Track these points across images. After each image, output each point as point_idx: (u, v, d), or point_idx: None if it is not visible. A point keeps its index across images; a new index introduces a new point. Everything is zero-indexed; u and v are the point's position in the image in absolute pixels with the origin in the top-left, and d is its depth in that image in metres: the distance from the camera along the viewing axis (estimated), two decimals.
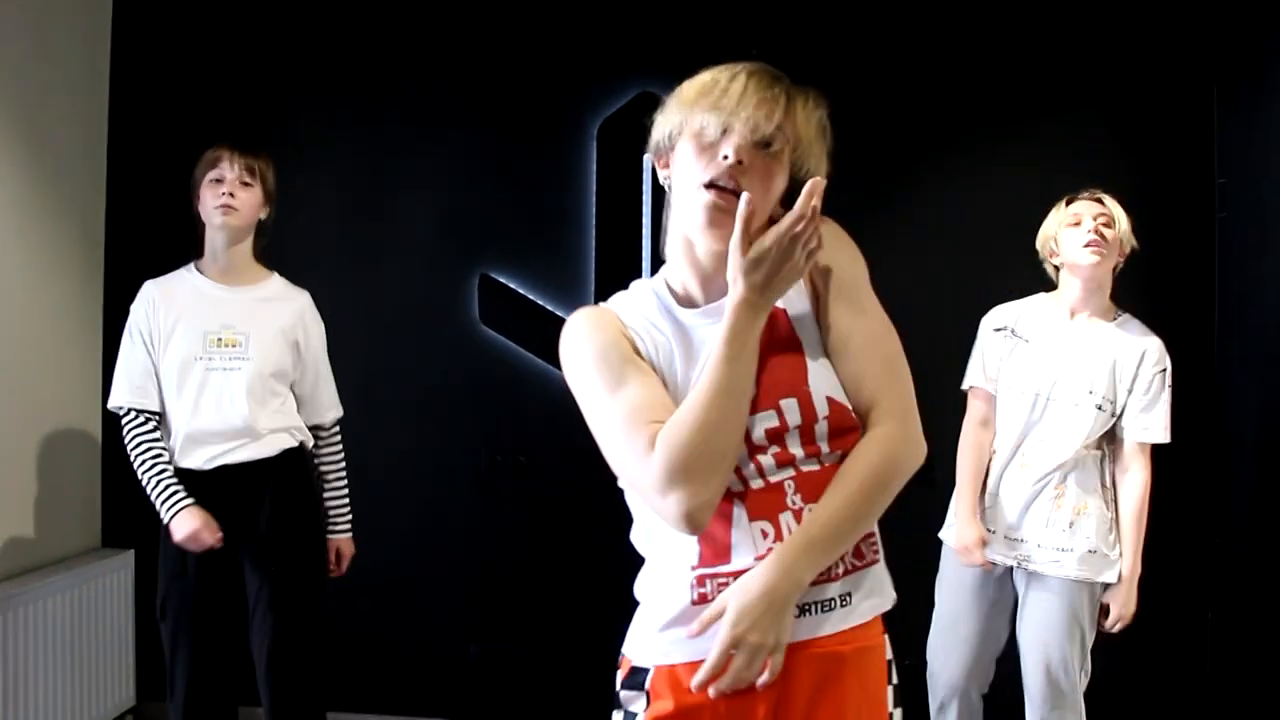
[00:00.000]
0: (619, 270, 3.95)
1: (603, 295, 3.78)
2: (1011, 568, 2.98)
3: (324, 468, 3.21)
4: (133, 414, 2.98)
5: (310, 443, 3.15)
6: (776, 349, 1.65)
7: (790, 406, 1.60)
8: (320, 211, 4.08)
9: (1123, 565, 2.90)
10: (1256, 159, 3.54)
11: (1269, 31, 3.47)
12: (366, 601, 3.90)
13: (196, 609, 2.97)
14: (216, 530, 2.89)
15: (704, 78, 1.68)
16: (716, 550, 1.59)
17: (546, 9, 4.09)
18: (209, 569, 2.95)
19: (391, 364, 4.03)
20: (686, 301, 1.69)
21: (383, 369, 4.01)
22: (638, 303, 1.73)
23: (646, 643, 1.68)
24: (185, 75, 4.22)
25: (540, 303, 4.01)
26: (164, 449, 2.97)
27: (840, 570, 1.59)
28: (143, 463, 2.93)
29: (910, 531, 3.35)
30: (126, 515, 4.18)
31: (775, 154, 1.60)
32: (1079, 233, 2.94)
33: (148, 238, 4.16)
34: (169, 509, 2.88)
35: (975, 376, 3.12)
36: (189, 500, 2.89)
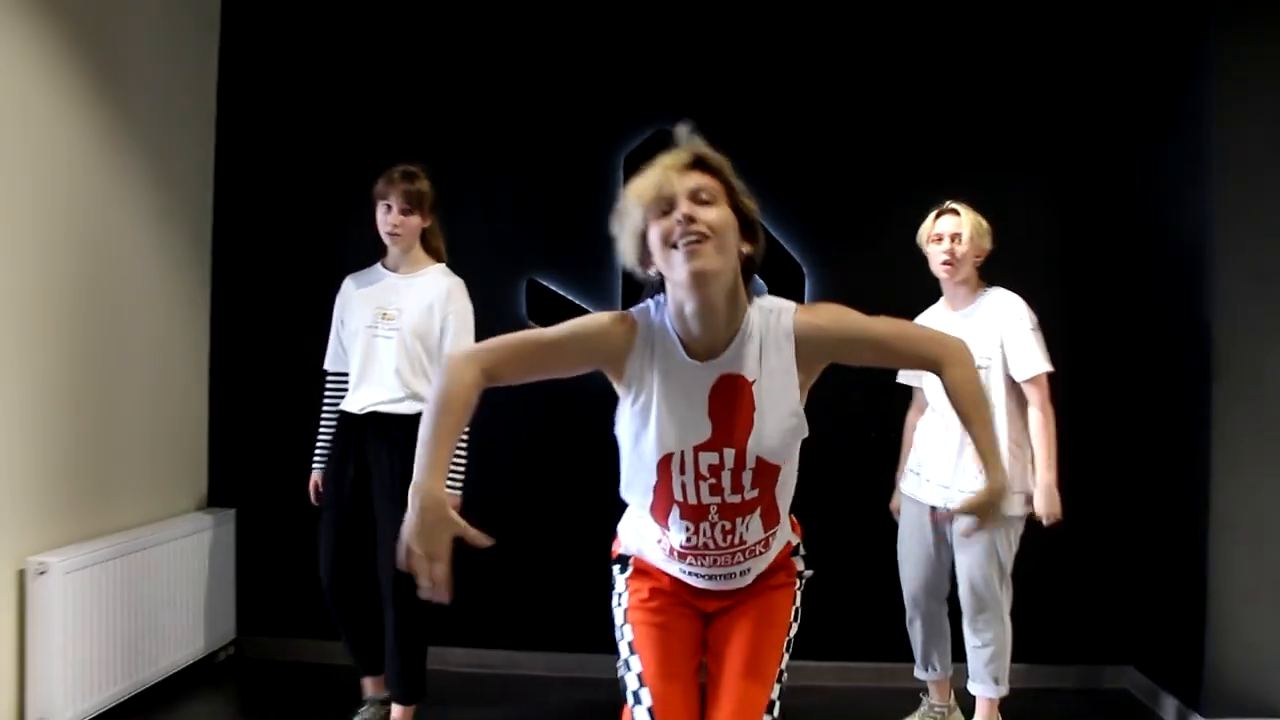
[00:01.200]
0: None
1: (626, 294, 4.53)
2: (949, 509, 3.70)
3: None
4: (328, 375, 3.94)
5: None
6: (734, 410, 2.09)
7: (729, 454, 2.11)
8: None
9: (1038, 475, 3.58)
10: (1171, 199, 4.28)
11: (1179, 96, 4.21)
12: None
13: (337, 496, 3.80)
14: (318, 497, 3.87)
15: (640, 184, 2.07)
16: (660, 519, 2.22)
17: (583, 66, 4.77)
18: (348, 481, 3.77)
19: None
20: (678, 335, 2.11)
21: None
22: (660, 320, 2.14)
23: (630, 541, 2.38)
24: (281, 92, 4.89)
25: (575, 300, 4.67)
26: (334, 411, 3.87)
27: (755, 553, 2.24)
28: (321, 419, 3.93)
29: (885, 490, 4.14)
30: (230, 480, 4.89)
31: (711, 198, 2.03)
32: (937, 250, 3.67)
33: (247, 230, 4.89)
34: (314, 461, 3.90)
35: (902, 374, 3.91)
36: (320, 463, 3.88)
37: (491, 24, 4.82)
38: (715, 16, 4.74)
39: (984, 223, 3.72)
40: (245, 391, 4.88)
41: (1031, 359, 3.60)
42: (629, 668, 2.26)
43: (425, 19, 4.84)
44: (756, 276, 2.26)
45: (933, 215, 3.76)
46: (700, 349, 2.10)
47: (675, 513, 2.18)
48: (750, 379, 2.10)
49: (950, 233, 3.67)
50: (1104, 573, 4.57)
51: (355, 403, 3.74)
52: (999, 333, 3.63)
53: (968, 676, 3.74)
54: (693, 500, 2.15)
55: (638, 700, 2.21)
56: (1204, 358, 3.91)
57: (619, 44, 4.78)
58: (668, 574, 2.31)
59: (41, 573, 3.61)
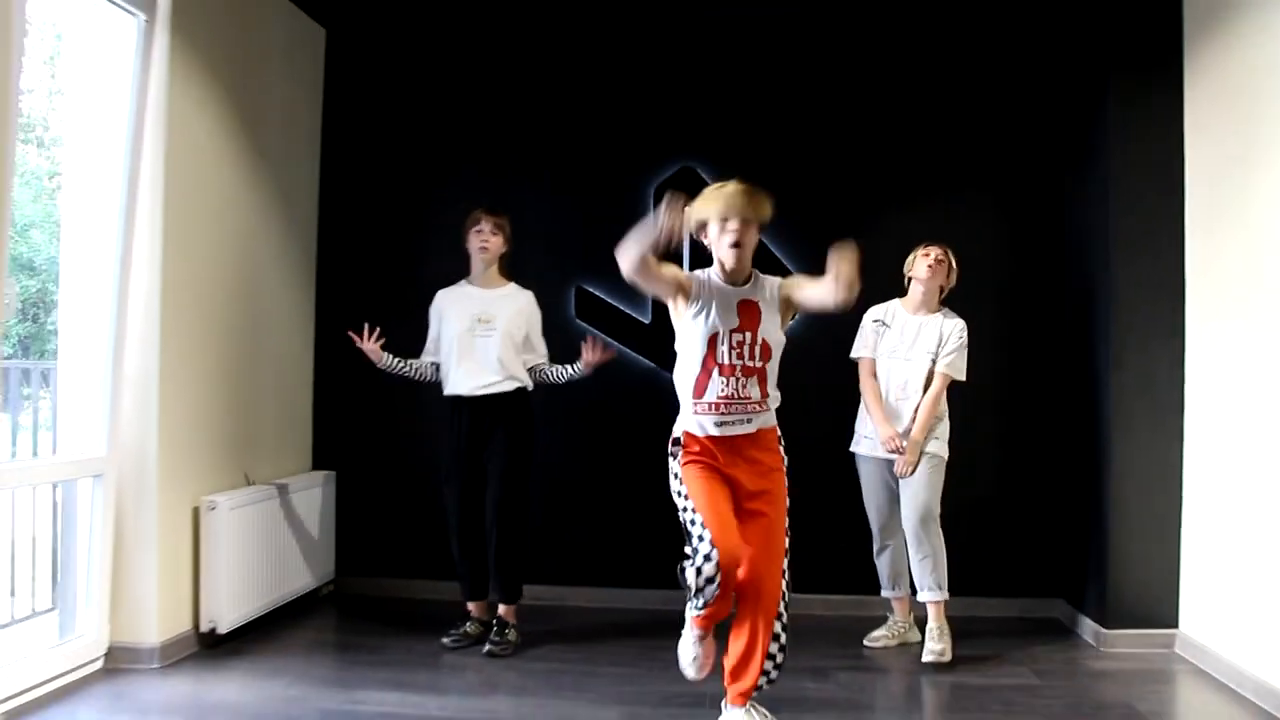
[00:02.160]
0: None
1: (657, 301, 5.60)
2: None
3: (551, 369, 4.97)
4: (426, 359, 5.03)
5: (530, 387, 4.92)
6: (752, 313, 3.59)
7: (749, 335, 3.57)
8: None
9: (914, 431, 4.76)
10: (1083, 222, 5.38)
11: (1089, 141, 5.30)
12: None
13: (457, 464, 4.88)
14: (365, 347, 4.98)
15: (717, 191, 3.60)
16: (700, 392, 3.55)
17: (622, 114, 5.86)
18: (465, 450, 4.86)
19: None
20: (721, 279, 3.62)
21: None
22: (709, 274, 3.65)
23: (681, 426, 3.61)
24: (373, 129, 5.98)
25: (615, 304, 5.73)
26: (417, 365, 5.00)
27: (754, 407, 3.56)
28: (408, 365, 5.02)
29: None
30: (331, 446, 5.99)
31: (749, 222, 3.57)
32: (925, 260, 4.83)
33: (344, 238, 5.99)
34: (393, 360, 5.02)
35: (860, 350, 5.00)
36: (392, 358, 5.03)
37: (551, 77, 5.92)
38: (726, 77, 5.83)
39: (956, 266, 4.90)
40: (342, 377, 5.94)
41: (958, 366, 4.83)
42: (689, 507, 3.52)
43: (499, 72, 5.93)
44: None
45: (920, 247, 4.93)
46: (733, 284, 3.63)
47: (715, 372, 3.55)
48: (757, 301, 3.61)
49: (938, 256, 4.85)
50: (1036, 522, 5.64)
51: (465, 386, 4.83)
52: (944, 339, 4.81)
53: (916, 592, 4.85)
54: (725, 361, 3.55)
55: (694, 522, 3.48)
56: (1106, 349, 5.02)
57: (651, 99, 5.87)
58: (705, 440, 3.56)
59: (212, 509, 4.72)
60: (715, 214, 3.56)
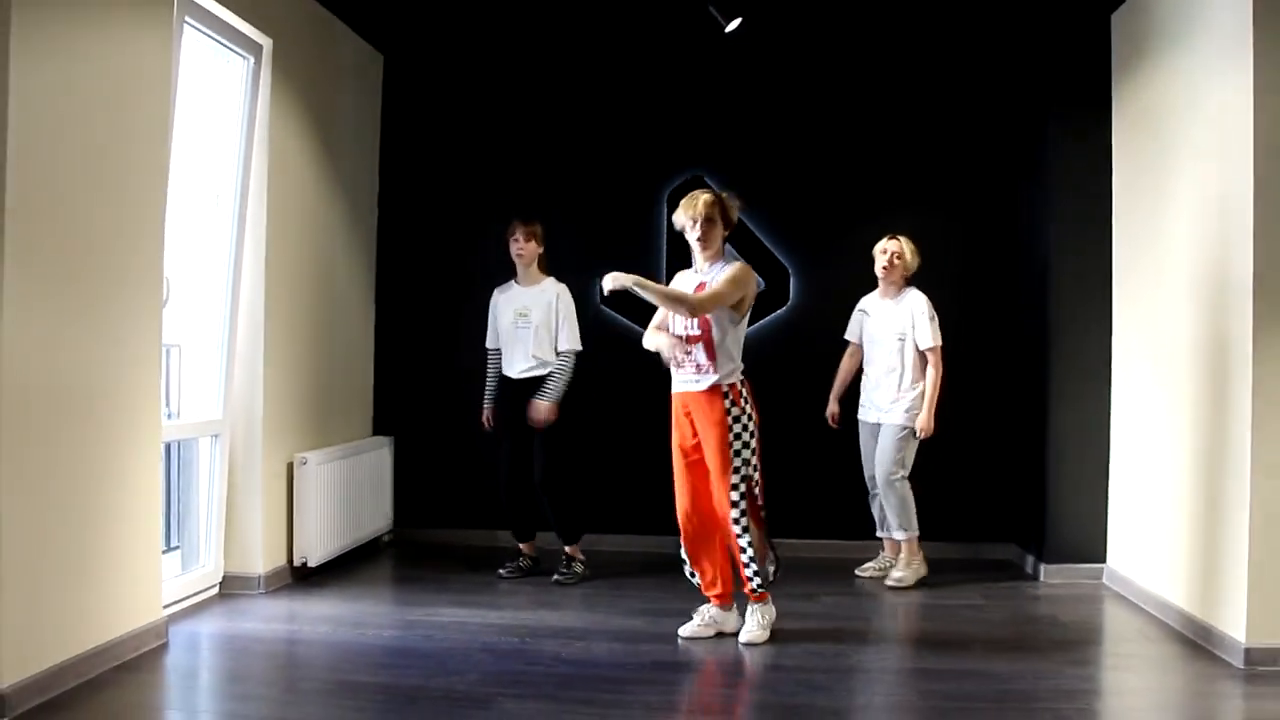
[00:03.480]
0: (675, 269, 6.58)
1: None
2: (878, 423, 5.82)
3: (553, 368, 5.81)
4: (488, 350, 5.94)
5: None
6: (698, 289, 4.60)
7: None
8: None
9: (924, 407, 5.67)
10: (1031, 226, 6.33)
11: (1034, 156, 6.23)
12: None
13: (506, 430, 5.84)
14: (490, 422, 5.90)
15: (684, 202, 4.68)
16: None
17: (641, 128, 6.77)
18: (512, 419, 5.81)
19: None
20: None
21: None
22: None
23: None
24: (425, 139, 6.90)
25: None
26: (495, 373, 5.91)
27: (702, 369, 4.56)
28: (486, 375, 5.93)
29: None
30: (390, 414, 6.90)
31: (710, 219, 4.62)
32: (882, 258, 5.75)
33: (400, 234, 6.89)
34: (484, 400, 5.95)
35: (851, 333, 5.98)
36: (489, 403, 5.91)
37: (580, 95, 6.86)
38: (736, 96, 6.76)
39: (916, 253, 5.79)
40: (398, 354, 6.89)
41: (929, 336, 5.70)
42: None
43: (533, 89, 6.87)
44: (730, 248, 4.86)
45: (886, 237, 5.81)
46: (700, 268, 4.71)
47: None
48: (705, 281, 4.65)
49: (893, 252, 5.74)
50: (991, 476, 6.58)
51: (512, 370, 5.81)
52: (911, 316, 5.72)
53: (889, 530, 5.84)
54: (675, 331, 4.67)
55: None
56: (1047, 329, 5.98)
57: (668, 118, 6.79)
58: (677, 392, 4.67)
59: (304, 464, 5.68)
60: (685, 218, 4.68)
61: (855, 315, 5.98)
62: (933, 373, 5.70)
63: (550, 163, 6.87)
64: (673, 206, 6.45)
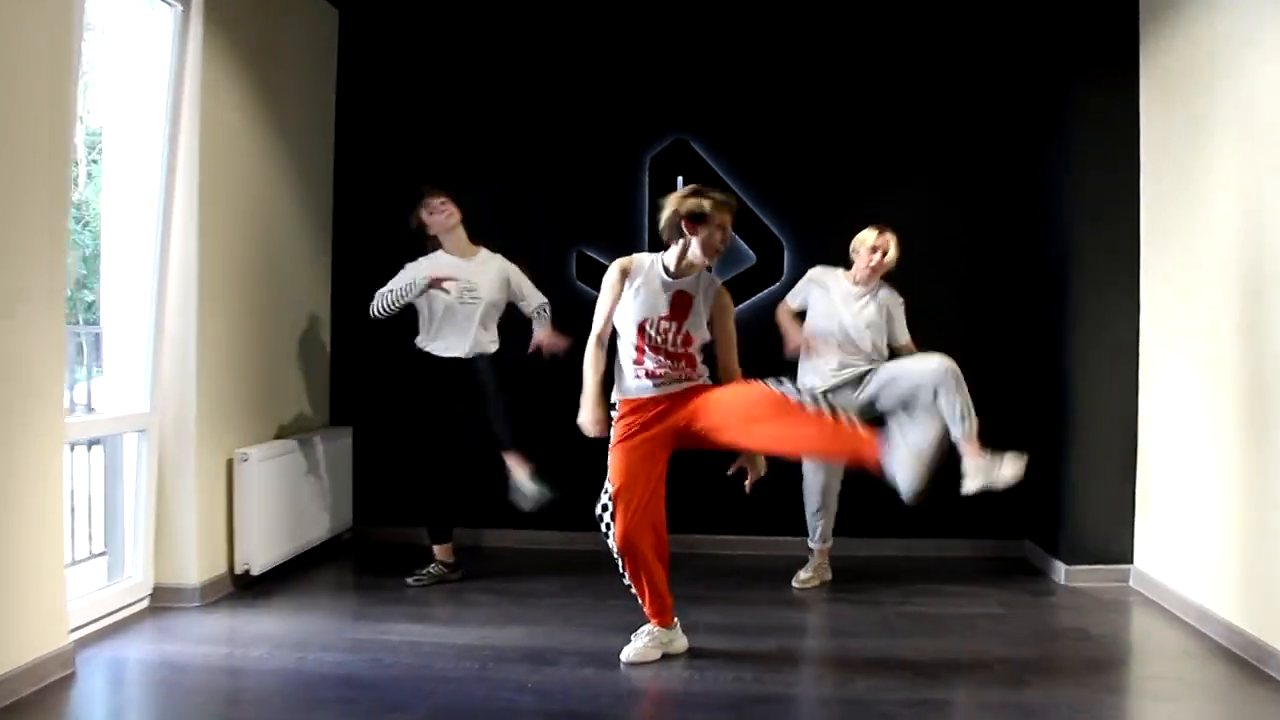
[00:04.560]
0: (660, 246, 5.91)
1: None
2: None
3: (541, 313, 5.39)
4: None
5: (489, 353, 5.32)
6: (684, 305, 3.99)
7: (673, 325, 3.98)
8: (480, 210, 5.79)
9: None
10: (1050, 191, 5.78)
11: (1054, 119, 5.68)
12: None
13: (432, 416, 5.32)
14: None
15: (702, 202, 3.92)
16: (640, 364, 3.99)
17: (621, 90, 6.21)
18: (441, 404, 5.29)
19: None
20: (668, 272, 4.00)
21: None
22: (650, 261, 4.05)
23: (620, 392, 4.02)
24: (383, 101, 6.32)
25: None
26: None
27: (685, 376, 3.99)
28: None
29: None
30: (349, 402, 6.35)
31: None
32: (866, 258, 5.13)
33: (361, 203, 6.32)
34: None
35: (793, 299, 5.38)
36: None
37: (552, 54, 6.27)
38: (723, 53, 6.18)
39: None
40: (357, 339, 6.29)
41: (904, 330, 5.22)
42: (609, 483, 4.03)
43: (503, 48, 6.28)
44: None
45: (873, 229, 5.17)
46: (678, 275, 4.00)
47: (649, 352, 4.00)
48: (691, 295, 4.01)
49: (883, 249, 5.13)
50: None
51: (447, 351, 5.30)
52: (886, 310, 5.18)
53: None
54: (655, 342, 4.00)
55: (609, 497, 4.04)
56: (1067, 308, 5.44)
57: (648, 74, 6.22)
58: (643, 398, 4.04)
59: (245, 460, 5.11)
60: (701, 212, 3.91)
61: (804, 285, 5.33)
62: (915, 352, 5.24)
63: (521, 128, 6.30)
64: (656, 174, 6.13)
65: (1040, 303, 5.91)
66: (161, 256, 4.76)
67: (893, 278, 5.25)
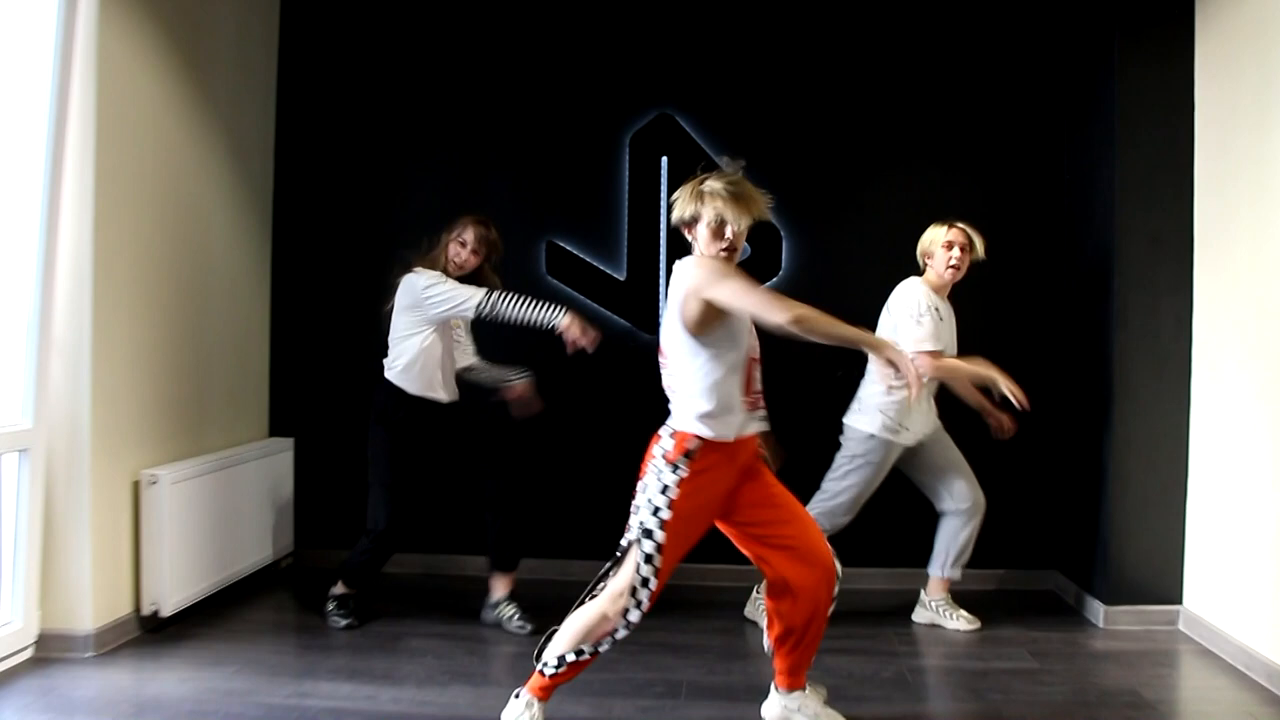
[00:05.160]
0: (642, 237, 5.33)
1: (632, 256, 5.27)
2: None
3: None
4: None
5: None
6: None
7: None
8: (435, 195, 5.44)
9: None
10: (1086, 180, 5.06)
11: (1093, 96, 4.96)
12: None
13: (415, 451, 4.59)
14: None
15: (735, 208, 3.14)
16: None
17: (597, 57, 5.47)
18: (429, 443, 4.59)
19: None
20: None
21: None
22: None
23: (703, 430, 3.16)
24: (331, 77, 5.58)
25: (588, 260, 5.36)
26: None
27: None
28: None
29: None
30: (292, 411, 5.63)
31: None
32: (947, 255, 4.44)
33: (302, 196, 5.59)
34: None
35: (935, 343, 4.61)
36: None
37: (522, 22, 5.52)
38: (711, 17, 5.45)
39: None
40: (302, 338, 5.60)
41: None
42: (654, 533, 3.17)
43: (466, 10, 5.53)
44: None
45: (945, 225, 4.50)
46: None
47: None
48: None
49: (963, 243, 4.45)
50: (1029, 489, 5.37)
51: (442, 394, 4.59)
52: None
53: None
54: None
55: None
56: (1109, 306, 4.71)
57: (628, 40, 5.48)
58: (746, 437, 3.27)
59: (153, 483, 4.38)
60: (728, 217, 3.14)
61: (929, 316, 4.48)
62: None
63: (487, 100, 5.55)
64: (637, 155, 5.42)
65: (1075, 303, 5.18)
66: (47, 249, 4.02)
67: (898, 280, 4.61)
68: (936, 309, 4.43)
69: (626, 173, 5.40)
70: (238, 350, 5.34)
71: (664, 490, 3.13)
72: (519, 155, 5.53)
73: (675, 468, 3.13)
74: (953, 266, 4.45)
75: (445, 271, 4.45)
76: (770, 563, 3.27)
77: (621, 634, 3.19)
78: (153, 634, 4.38)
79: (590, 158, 5.47)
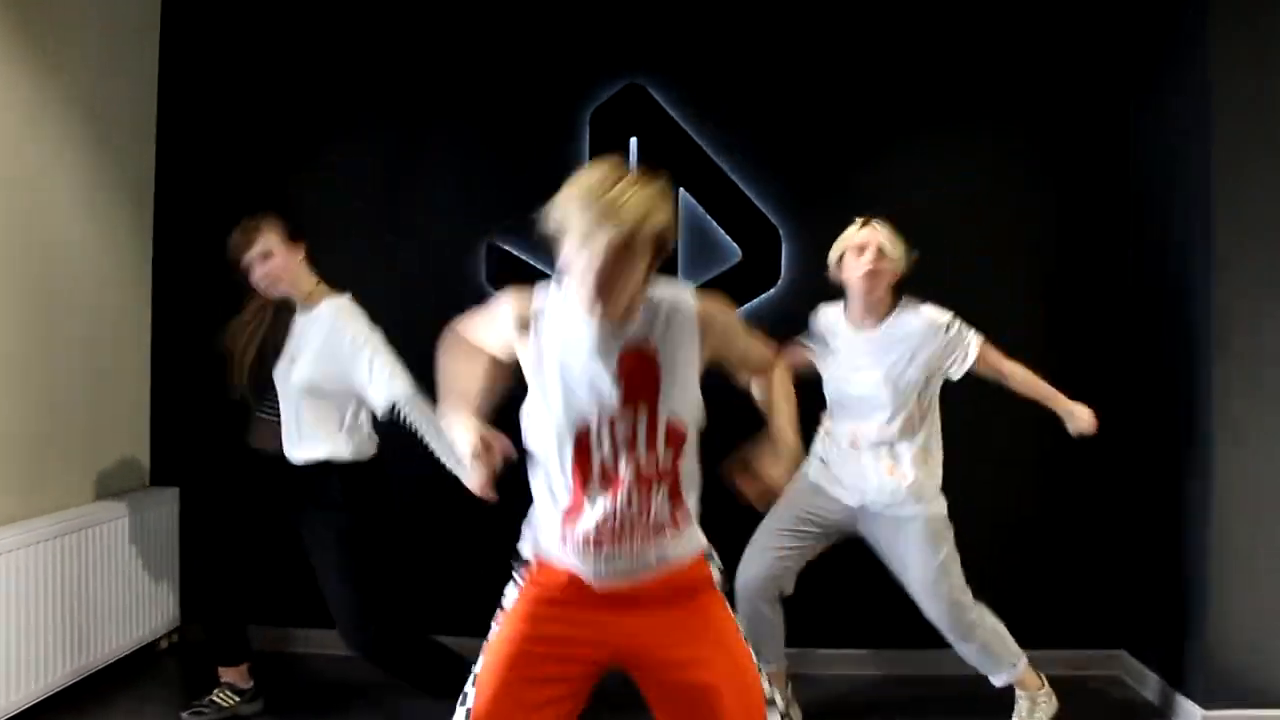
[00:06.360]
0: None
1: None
2: None
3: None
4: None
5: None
6: (640, 372, 2.12)
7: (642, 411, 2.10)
8: (355, 190, 4.59)
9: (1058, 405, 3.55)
10: (1169, 155, 4.09)
11: (1173, 53, 4.01)
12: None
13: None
14: None
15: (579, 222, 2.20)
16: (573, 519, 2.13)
17: (550, 19, 4.61)
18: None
19: (413, 317, 4.54)
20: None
21: (405, 320, 4.52)
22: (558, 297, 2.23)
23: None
24: (229, 54, 4.71)
25: (538, 266, 4.46)
26: None
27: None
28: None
29: None
30: (178, 455, 4.71)
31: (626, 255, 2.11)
32: (859, 262, 3.42)
33: (190, 205, 4.72)
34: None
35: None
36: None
37: None
38: None
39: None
40: (189, 370, 4.67)
41: (965, 350, 3.45)
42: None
43: None
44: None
45: (856, 224, 3.50)
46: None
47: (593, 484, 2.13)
48: (656, 346, 2.16)
49: (876, 243, 3.42)
50: (1090, 554, 4.44)
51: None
52: (929, 348, 3.43)
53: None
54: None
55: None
56: (1205, 327, 3.74)
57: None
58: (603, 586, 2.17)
59: None
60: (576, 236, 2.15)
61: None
62: (1017, 369, 3.57)
63: (418, 76, 4.66)
64: (599, 133, 4.48)
65: (1155, 313, 4.21)
66: None
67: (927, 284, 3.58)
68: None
69: (587, 157, 4.49)
70: (104, 386, 4.39)
71: (504, 595, 2.25)
72: (457, 136, 4.64)
73: (515, 574, 2.26)
74: (866, 275, 3.43)
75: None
76: None
77: None
78: None
79: (543, 139, 4.59)
